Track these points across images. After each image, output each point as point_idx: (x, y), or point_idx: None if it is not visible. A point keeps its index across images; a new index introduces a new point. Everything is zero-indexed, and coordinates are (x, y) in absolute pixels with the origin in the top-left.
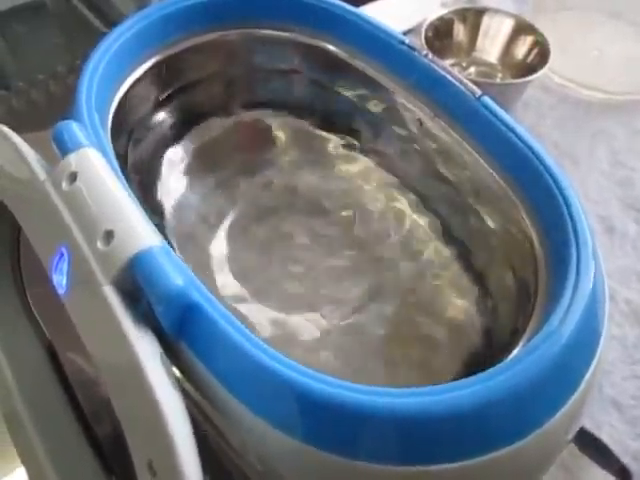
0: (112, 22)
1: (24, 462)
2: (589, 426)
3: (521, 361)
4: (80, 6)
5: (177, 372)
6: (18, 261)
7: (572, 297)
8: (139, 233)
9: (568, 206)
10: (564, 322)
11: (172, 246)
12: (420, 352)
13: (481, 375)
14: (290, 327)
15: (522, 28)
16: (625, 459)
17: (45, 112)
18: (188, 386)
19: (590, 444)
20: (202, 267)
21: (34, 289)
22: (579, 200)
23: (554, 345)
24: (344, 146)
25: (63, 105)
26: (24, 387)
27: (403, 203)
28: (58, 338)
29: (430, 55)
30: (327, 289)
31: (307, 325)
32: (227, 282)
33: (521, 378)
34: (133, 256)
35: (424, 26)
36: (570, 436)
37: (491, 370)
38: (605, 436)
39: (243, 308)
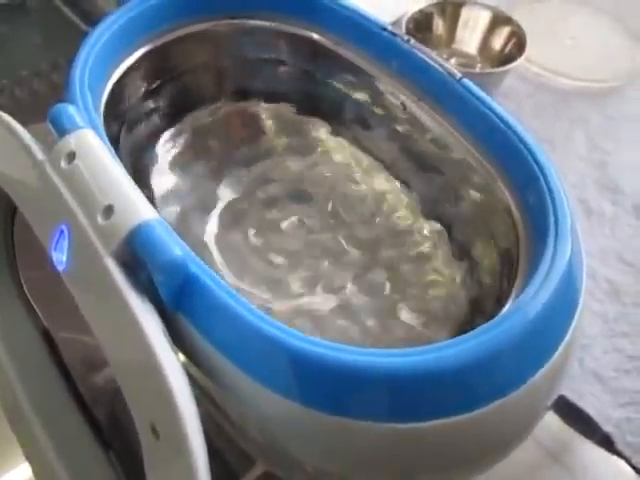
0: (93, 19)
1: (24, 447)
2: (572, 398)
3: (502, 323)
4: (60, 4)
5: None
6: (12, 246)
7: (550, 266)
8: (138, 207)
9: (547, 181)
10: (542, 289)
11: None
12: (410, 323)
13: (465, 336)
14: (282, 308)
15: (499, 20)
16: (607, 428)
17: (29, 109)
18: (186, 364)
19: (574, 415)
20: (195, 250)
21: (28, 274)
22: (557, 175)
23: (534, 308)
24: (331, 133)
25: (47, 102)
26: (22, 372)
27: (388, 185)
28: (53, 323)
29: (411, 41)
30: (316, 271)
31: (298, 305)
32: (221, 264)
33: (503, 338)
34: (134, 228)
35: (405, 19)
36: (550, 400)
37: (473, 332)
38: (588, 407)
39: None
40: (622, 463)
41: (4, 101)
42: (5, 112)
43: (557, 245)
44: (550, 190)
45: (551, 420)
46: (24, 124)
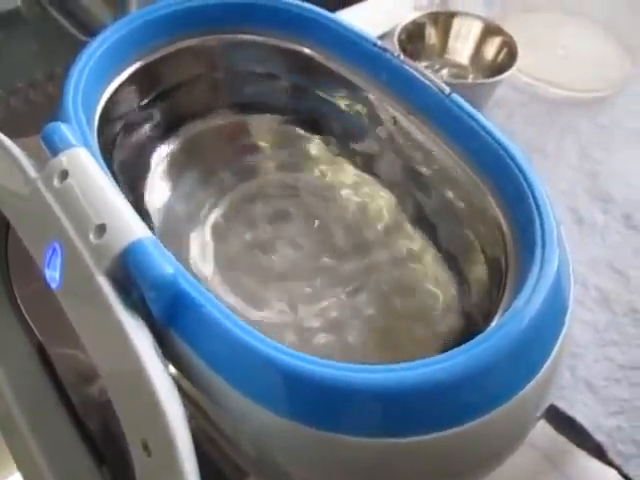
0: (89, 29)
1: (17, 460)
2: (564, 407)
3: (492, 336)
4: (56, 14)
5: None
6: (6, 261)
7: (538, 279)
8: (130, 226)
9: (534, 194)
10: (530, 301)
11: None
12: (400, 336)
13: (455, 350)
14: (272, 321)
15: (490, 30)
16: (599, 437)
17: (25, 119)
18: (178, 378)
19: (565, 424)
20: (187, 266)
21: (22, 289)
22: (544, 189)
23: (522, 320)
24: (323, 145)
25: (43, 112)
26: (16, 386)
27: (380, 198)
28: (47, 336)
29: (401, 56)
30: (306, 286)
31: (288, 320)
32: (212, 280)
33: (493, 352)
34: (125, 247)
35: (397, 30)
36: (542, 410)
37: (464, 346)
38: (580, 416)
39: (227, 303)
40: (613, 472)
41: None
42: (0, 122)
43: (544, 258)
44: (537, 205)
45: (546, 429)
46: (19, 135)
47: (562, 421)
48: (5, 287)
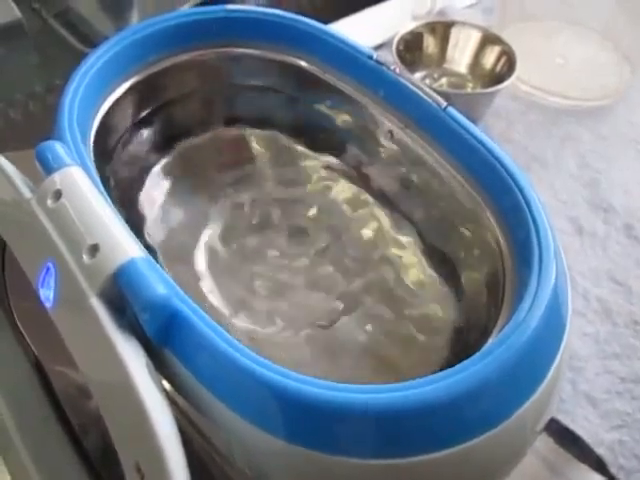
0: (89, 41)
1: (12, 475)
2: (565, 421)
3: (489, 354)
4: (57, 26)
5: (164, 382)
6: (3, 276)
7: (535, 295)
8: (123, 246)
9: (530, 208)
10: (529, 317)
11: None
12: (397, 353)
13: (452, 369)
14: (269, 337)
15: (489, 39)
16: (600, 451)
17: (24, 131)
18: (174, 394)
19: (567, 438)
20: (183, 282)
21: (19, 303)
22: (541, 201)
23: (520, 337)
24: (320, 159)
25: (42, 124)
26: (11, 402)
27: (377, 211)
28: (44, 352)
29: (397, 69)
30: (306, 298)
31: (286, 335)
32: (208, 295)
33: (490, 370)
34: (118, 267)
35: (395, 40)
36: (541, 425)
37: (461, 364)
38: (581, 430)
39: (224, 320)
40: None
41: None
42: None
43: (542, 273)
44: (534, 218)
45: (547, 442)
46: (18, 148)
47: (563, 435)
48: (2, 303)
